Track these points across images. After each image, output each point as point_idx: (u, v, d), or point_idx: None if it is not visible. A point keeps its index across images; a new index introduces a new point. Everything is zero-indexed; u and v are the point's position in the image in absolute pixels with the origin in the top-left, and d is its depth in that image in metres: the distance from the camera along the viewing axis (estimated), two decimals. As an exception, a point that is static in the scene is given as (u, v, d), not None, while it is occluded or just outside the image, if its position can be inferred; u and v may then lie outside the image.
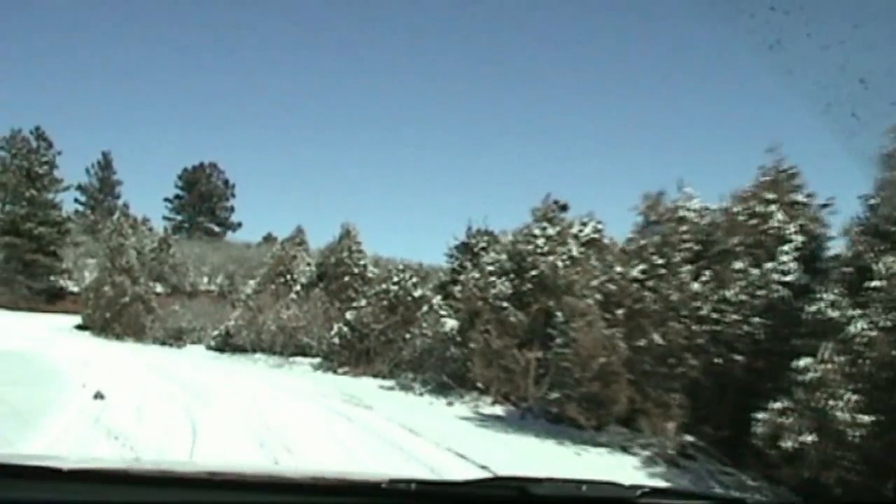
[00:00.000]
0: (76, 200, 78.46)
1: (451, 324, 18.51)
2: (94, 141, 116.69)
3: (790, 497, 8.65)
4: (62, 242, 59.06)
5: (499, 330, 15.39)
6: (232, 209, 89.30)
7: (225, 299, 45.68)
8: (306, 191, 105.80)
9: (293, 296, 28.93)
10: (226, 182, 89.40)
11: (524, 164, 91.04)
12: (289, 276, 30.47)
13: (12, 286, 55.15)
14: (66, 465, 1.91)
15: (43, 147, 58.54)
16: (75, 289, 61.87)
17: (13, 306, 53.75)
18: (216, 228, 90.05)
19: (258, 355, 28.04)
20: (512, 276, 15.99)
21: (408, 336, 20.90)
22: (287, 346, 26.98)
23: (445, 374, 17.74)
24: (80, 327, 44.35)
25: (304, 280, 29.30)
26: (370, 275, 27.20)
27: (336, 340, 23.07)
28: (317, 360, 24.97)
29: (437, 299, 20.85)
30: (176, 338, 35.56)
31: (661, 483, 9.09)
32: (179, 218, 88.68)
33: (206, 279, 70.73)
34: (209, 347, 32.45)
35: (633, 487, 2.20)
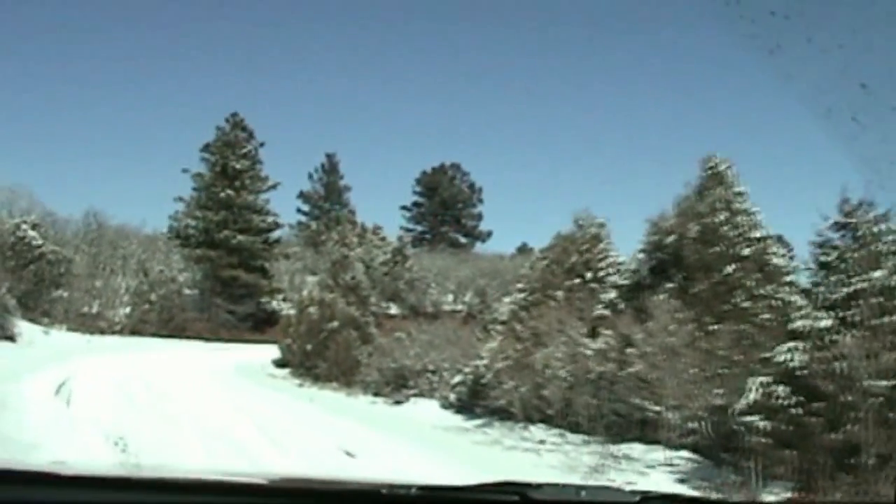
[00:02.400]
0: (298, 210, 71.21)
1: None
2: (318, 142, 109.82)
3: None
4: (270, 255, 49.78)
5: None
6: (479, 216, 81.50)
7: (475, 321, 34.68)
8: (565, 194, 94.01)
9: (602, 310, 15.50)
10: (471, 186, 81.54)
11: None
12: (589, 276, 16.94)
13: (211, 311, 46.18)
14: (65, 470, 2.12)
15: (241, 138, 49.70)
16: (293, 312, 52.84)
17: (212, 336, 44.81)
18: (462, 239, 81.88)
19: (543, 432, 14.87)
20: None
21: None
22: (602, 413, 13.55)
23: None
24: (279, 363, 33.81)
25: (624, 280, 15.75)
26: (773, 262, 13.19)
27: (756, 419, 9.19)
28: (681, 458, 11.35)
29: None
30: (395, 384, 23.30)
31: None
32: (419, 228, 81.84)
33: (450, 297, 60.95)
34: (446, 405, 19.83)
35: (633, 493, 2.26)
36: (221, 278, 47.08)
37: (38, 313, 39.16)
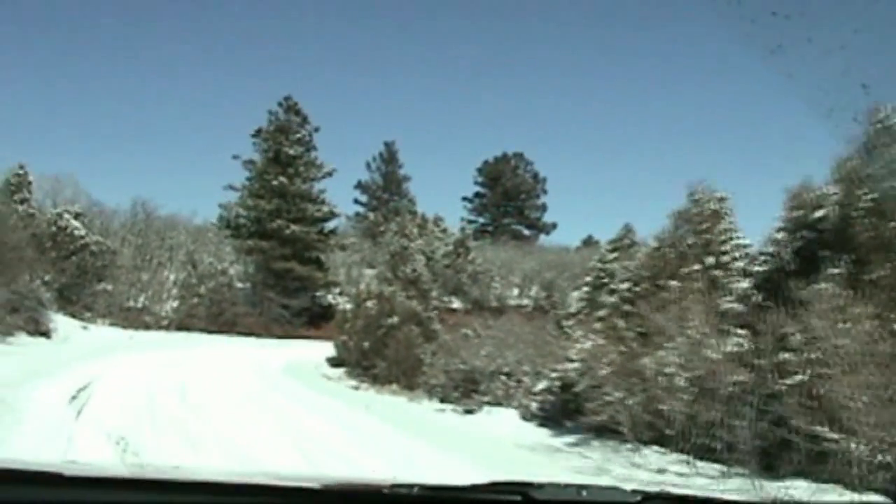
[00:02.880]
0: (356, 201, 69.02)
1: None
2: (375, 131, 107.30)
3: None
4: (325, 246, 47.30)
5: None
6: (543, 208, 79.07)
7: (544, 316, 31.87)
8: (630, 184, 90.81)
9: (731, 303, 12.38)
10: (535, 176, 79.05)
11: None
12: (710, 261, 13.78)
13: (263, 305, 43.84)
14: (67, 470, 2.08)
15: (295, 123, 47.26)
16: (349, 306, 50.40)
17: (263, 332, 42.49)
18: (525, 231, 79.05)
19: (660, 458, 11.83)
20: None
21: None
22: (743, 436, 10.46)
23: None
24: (334, 362, 31.24)
25: (759, 266, 12.62)
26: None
27: None
28: None
29: None
30: (465, 389, 20.40)
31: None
32: (481, 220, 79.82)
33: (515, 291, 58.24)
34: (527, 416, 16.86)
35: (635, 492, 2.26)
36: (274, 271, 44.71)
37: (80, 307, 37.19)
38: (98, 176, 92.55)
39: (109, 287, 39.46)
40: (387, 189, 75.30)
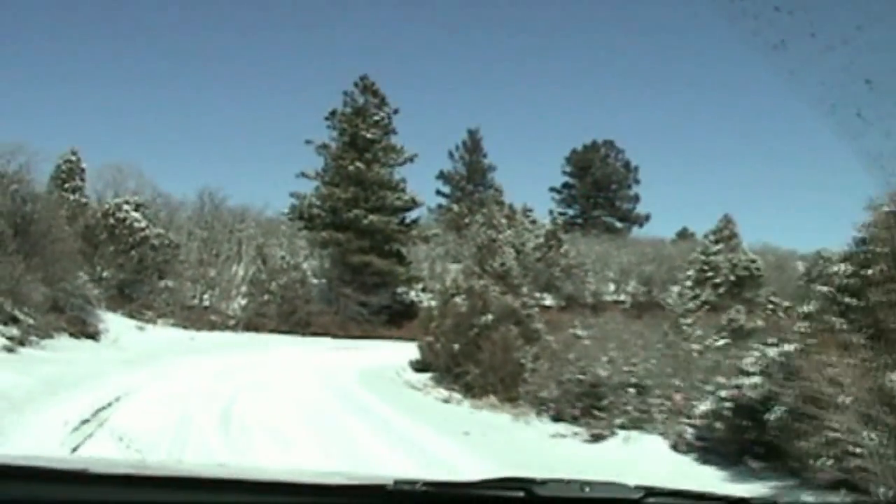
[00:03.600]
0: (438, 192, 65.49)
1: None
2: (457, 119, 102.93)
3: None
4: (406, 238, 43.64)
5: None
6: (636, 198, 75.32)
7: (649, 313, 29.14)
8: (726, 172, 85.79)
9: None
10: (626, 165, 75.23)
11: None
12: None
13: (339, 303, 40.37)
14: (70, 466, 2.25)
15: (372, 104, 43.67)
16: (433, 303, 46.78)
17: (340, 332, 39.09)
18: (617, 223, 75.09)
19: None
20: None
21: None
22: None
23: None
24: (418, 367, 27.57)
25: None
26: None
27: None
28: None
29: None
30: (584, 404, 16.17)
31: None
32: (570, 212, 75.86)
33: (611, 286, 54.08)
34: (684, 447, 12.63)
35: (638, 488, 2.30)
36: (351, 265, 41.19)
37: (138, 306, 34.23)
38: (164, 166, 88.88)
39: (172, 284, 36.42)
40: (471, 179, 72.05)
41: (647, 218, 72.88)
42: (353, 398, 18.48)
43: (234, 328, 36.64)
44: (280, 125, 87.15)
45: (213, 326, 36.22)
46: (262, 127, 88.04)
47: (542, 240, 54.88)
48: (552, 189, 73.60)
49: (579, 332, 20.91)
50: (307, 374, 22.31)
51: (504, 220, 53.25)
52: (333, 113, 42.92)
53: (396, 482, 2.11)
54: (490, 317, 24.49)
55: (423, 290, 47.47)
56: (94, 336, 26.17)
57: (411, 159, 43.91)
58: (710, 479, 10.85)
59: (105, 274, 36.14)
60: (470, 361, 23.30)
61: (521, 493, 2.16)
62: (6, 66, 75.32)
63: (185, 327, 33.73)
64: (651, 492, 2.26)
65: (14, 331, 20.89)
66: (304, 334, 37.92)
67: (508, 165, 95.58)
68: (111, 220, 36.78)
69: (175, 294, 35.96)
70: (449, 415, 17.34)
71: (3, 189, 25.32)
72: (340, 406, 16.59)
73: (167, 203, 45.82)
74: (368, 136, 42.21)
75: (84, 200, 33.67)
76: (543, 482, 2.18)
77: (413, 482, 2.12)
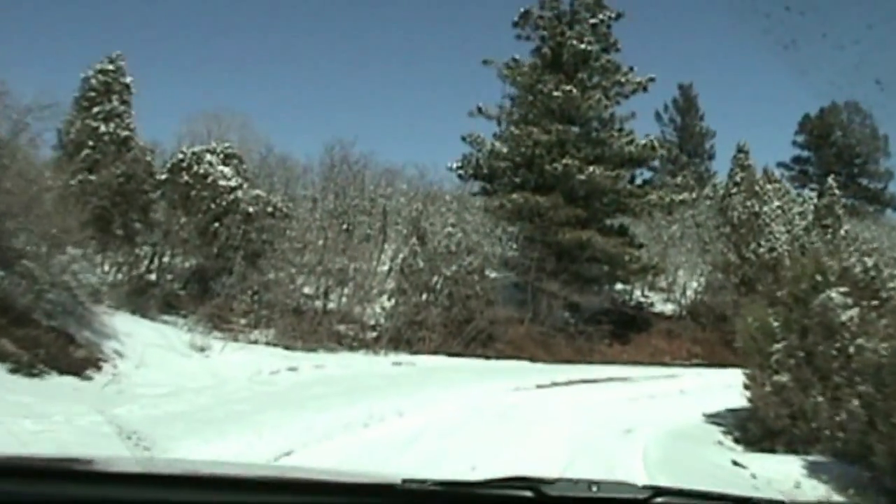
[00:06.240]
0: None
1: None
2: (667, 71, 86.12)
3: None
4: (641, 206, 29.48)
5: None
6: (888, 175, 62.67)
7: None
8: None
9: None
10: (873, 132, 60.80)
11: None
12: None
13: (538, 306, 26.68)
14: (79, 466, 2.21)
15: (583, 3, 29.62)
16: (666, 310, 32.87)
17: (544, 353, 25.78)
18: (868, 206, 61.81)
19: None
20: None
21: None
22: None
23: None
24: (737, 427, 13.49)
25: None
26: None
27: None
28: None
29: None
30: None
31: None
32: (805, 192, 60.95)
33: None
34: None
35: (646, 488, 2.30)
36: (557, 246, 27.20)
37: (216, 308, 21.44)
38: (283, 123, 70.78)
39: (274, 275, 23.44)
40: (682, 148, 58.51)
41: (905, 198, 59.25)
42: None
43: (374, 346, 23.39)
44: (442, 53, 73.07)
45: (339, 341, 23.13)
46: (416, 57, 74.18)
47: (810, 218, 39.96)
48: (780, 164, 59.29)
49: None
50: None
51: (770, 188, 38.48)
52: (526, 16, 28.89)
53: (404, 481, 2.12)
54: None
55: (662, 287, 33.08)
56: (82, 369, 13.35)
57: (645, 87, 29.31)
58: None
59: (170, 258, 23.84)
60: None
61: (530, 493, 2.16)
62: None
63: (287, 346, 20.73)
64: (659, 491, 2.25)
65: None
66: (486, 356, 24.35)
67: (723, 132, 79.18)
68: (185, 177, 24.34)
69: (278, 290, 22.96)
70: None
71: None
72: None
73: (284, 166, 33.30)
74: (582, 47, 28.05)
75: (124, 134, 21.02)
76: (552, 482, 2.19)
77: (421, 481, 2.13)
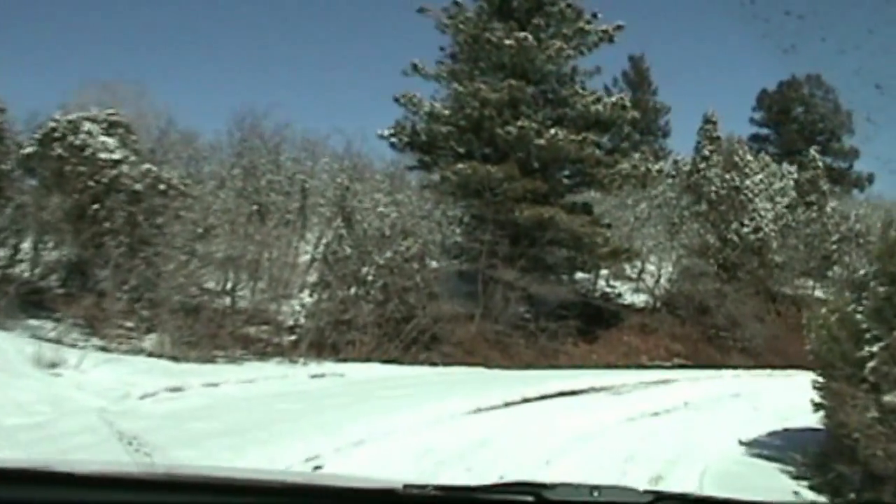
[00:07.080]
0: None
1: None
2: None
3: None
4: (611, 178, 25.52)
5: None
6: (853, 153, 59.05)
7: None
8: None
9: None
10: (836, 107, 56.70)
11: None
12: None
13: (489, 300, 22.55)
14: (77, 469, 2.09)
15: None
16: (637, 302, 29.35)
17: (502, 358, 21.83)
18: (830, 186, 58.68)
19: None
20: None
21: None
22: None
23: None
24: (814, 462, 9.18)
25: None
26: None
27: None
28: None
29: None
30: None
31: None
32: None
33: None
34: None
35: (647, 492, 2.28)
36: (513, 226, 22.98)
37: (83, 309, 16.91)
38: (188, 96, 62.23)
39: (165, 267, 18.83)
40: (635, 125, 54.39)
41: (870, 179, 56.68)
42: None
43: (291, 352, 18.98)
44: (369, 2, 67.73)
45: (248, 347, 18.68)
46: (337, 10, 69.26)
47: (793, 195, 36.59)
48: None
49: None
50: None
51: (750, 159, 34.90)
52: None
53: (406, 486, 2.12)
54: None
55: (624, 276, 29.16)
56: None
57: (611, 37, 25.18)
58: None
59: (34, 247, 19.24)
60: None
61: (531, 498, 2.14)
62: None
63: (177, 357, 16.17)
64: (660, 496, 2.24)
65: None
66: (431, 362, 20.12)
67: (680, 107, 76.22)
68: (57, 150, 19.68)
69: (167, 285, 18.32)
70: None
71: None
72: None
73: (190, 144, 28.42)
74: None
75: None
76: (553, 486, 2.17)
77: (423, 486, 2.14)
